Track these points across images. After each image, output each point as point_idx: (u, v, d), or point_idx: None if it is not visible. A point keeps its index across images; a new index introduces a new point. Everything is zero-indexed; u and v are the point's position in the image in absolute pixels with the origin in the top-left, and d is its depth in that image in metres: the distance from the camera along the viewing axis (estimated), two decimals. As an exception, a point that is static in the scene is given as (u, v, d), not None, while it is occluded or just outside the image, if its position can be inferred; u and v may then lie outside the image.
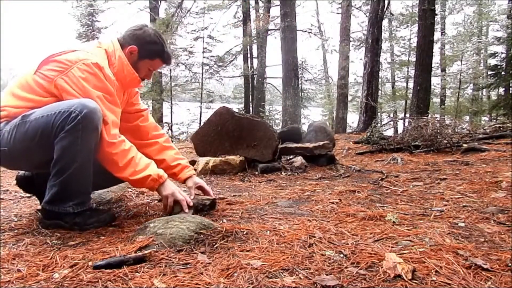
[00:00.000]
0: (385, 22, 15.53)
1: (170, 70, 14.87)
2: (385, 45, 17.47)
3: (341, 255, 1.18)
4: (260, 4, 16.19)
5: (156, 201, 1.95)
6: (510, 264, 1.10)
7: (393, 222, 1.55)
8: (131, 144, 1.55)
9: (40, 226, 1.49)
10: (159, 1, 14.62)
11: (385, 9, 10.20)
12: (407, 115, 11.17)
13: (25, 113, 1.44)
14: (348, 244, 1.29)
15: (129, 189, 2.11)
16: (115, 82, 1.57)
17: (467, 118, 16.42)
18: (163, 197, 1.60)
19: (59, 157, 1.42)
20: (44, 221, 1.50)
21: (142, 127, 1.83)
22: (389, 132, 7.43)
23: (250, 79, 16.97)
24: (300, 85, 12.55)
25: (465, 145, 4.34)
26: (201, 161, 2.93)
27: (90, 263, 1.11)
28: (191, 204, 1.64)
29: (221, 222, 1.56)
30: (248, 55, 17.05)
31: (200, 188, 1.81)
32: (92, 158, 1.48)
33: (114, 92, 1.54)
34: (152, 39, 1.66)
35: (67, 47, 1.55)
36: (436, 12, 8.89)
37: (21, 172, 1.74)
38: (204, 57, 16.20)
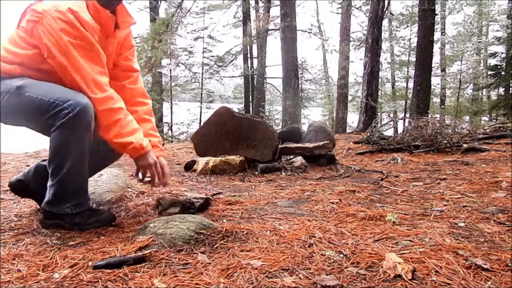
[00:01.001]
0: (385, 22, 15.54)
1: (170, 70, 14.88)
2: (385, 45, 17.47)
3: (341, 255, 1.18)
4: (260, 4, 16.19)
5: (155, 201, 1.95)
6: (510, 264, 1.10)
7: (393, 222, 1.55)
8: (120, 103, 1.46)
9: (41, 226, 1.49)
10: (159, 1, 14.61)
11: (385, 9, 10.20)
12: (407, 115, 11.17)
13: (20, 84, 1.40)
14: (348, 244, 1.29)
15: (129, 189, 2.11)
16: (95, 25, 1.44)
17: (467, 118, 16.41)
18: (139, 167, 1.55)
19: (53, 155, 1.41)
20: (45, 221, 1.49)
21: (128, 90, 1.70)
22: (389, 132, 7.44)
23: (250, 79, 16.97)
24: (300, 85, 12.55)
25: (465, 145, 4.34)
26: (201, 161, 2.93)
27: (90, 263, 1.11)
28: (168, 182, 1.61)
29: (221, 222, 1.56)
30: (248, 55, 17.05)
31: (162, 171, 1.64)
32: (87, 157, 1.45)
33: (93, 39, 1.42)
34: None
35: None
36: (436, 12, 8.89)
37: (13, 178, 1.70)
38: (204, 57, 16.20)
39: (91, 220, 1.48)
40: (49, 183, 1.45)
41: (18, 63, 1.43)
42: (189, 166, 3.08)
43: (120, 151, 1.58)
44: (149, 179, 1.62)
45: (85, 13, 1.42)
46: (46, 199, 1.47)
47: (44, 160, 1.62)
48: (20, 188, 1.68)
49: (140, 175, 1.59)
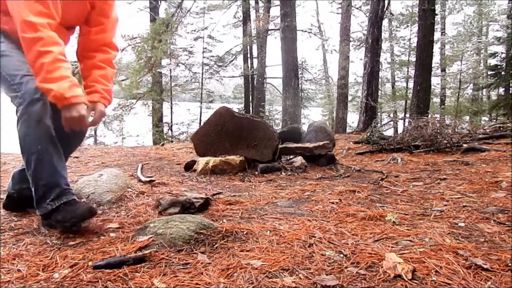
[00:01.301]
0: (385, 22, 15.53)
1: (170, 70, 14.88)
2: (385, 45, 17.46)
3: (341, 255, 1.18)
4: (260, 4, 16.17)
5: (155, 201, 1.95)
6: (510, 264, 1.10)
7: (393, 222, 1.55)
8: (52, 47, 1.37)
9: (42, 227, 1.48)
10: (159, 1, 14.61)
11: (385, 9, 10.20)
12: (407, 115, 11.17)
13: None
14: (348, 244, 1.29)
15: (129, 189, 2.11)
16: None
17: (467, 118, 16.41)
18: (62, 117, 1.42)
19: (21, 149, 1.44)
20: (43, 224, 1.48)
21: (94, 36, 1.67)
22: (389, 132, 7.44)
23: (250, 79, 16.96)
24: (300, 85, 12.55)
25: (465, 145, 4.34)
26: (201, 161, 2.93)
27: (90, 263, 1.11)
28: (86, 127, 1.55)
29: (221, 222, 1.56)
30: (248, 55, 17.04)
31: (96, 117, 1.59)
32: (49, 147, 1.42)
33: None
34: None
35: None
36: (436, 12, 8.89)
37: (3, 198, 1.70)
38: (204, 57, 16.18)
39: (69, 216, 1.40)
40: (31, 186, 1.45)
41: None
42: (189, 166, 3.08)
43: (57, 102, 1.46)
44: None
45: None
46: (34, 203, 1.46)
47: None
48: (12, 204, 1.69)
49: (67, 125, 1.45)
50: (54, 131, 1.45)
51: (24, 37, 1.35)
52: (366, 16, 13.17)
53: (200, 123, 14.15)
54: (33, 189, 1.44)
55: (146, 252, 1.15)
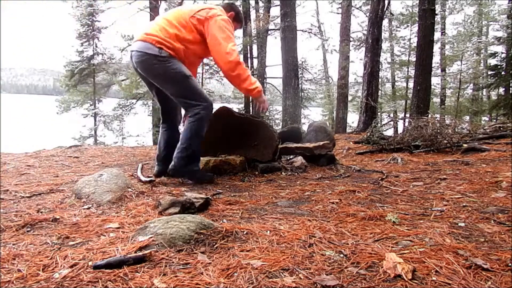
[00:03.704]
0: (385, 22, 15.55)
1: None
2: (385, 45, 17.48)
3: (341, 255, 1.18)
4: (260, 4, 16.18)
5: (155, 201, 1.95)
6: (510, 264, 1.10)
7: (393, 222, 1.55)
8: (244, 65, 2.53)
9: (170, 176, 2.58)
10: (159, 1, 14.61)
11: (385, 9, 10.19)
12: (407, 115, 11.17)
13: (182, 73, 2.47)
14: (348, 244, 1.29)
15: (129, 189, 2.11)
16: (232, 26, 2.61)
17: (467, 118, 16.43)
18: (257, 102, 2.76)
19: (186, 137, 2.50)
20: (174, 173, 2.53)
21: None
22: (389, 132, 7.45)
23: (250, 79, 16.92)
24: (300, 85, 12.56)
25: (465, 145, 4.34)
26: (201, 160, 2.93)
27: (90, 263, 1.11)
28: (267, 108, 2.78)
29: (221, 222, 1.56)
30: (248, 55, 17.03)
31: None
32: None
33: (233, 32, 2.60)
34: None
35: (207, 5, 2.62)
36: (436, 12, 8.89)
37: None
38: (204, 57, 16.15)
39: (204, 177, 2.53)
40: (182, 153, 2.47)
41: (184, 43, 2.50)
42: (189, 166, 3.08)
43: (253, 95, 2.68)
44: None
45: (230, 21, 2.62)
46: (177, 164, 2.49)
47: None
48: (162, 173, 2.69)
49: (256, 108, 2.78)
50: None
51: (229, 60, 2.46)
52: (366, 16, 13.18)
53: (200, 123, 14.09)
54: (185, 155, 2.49)
55: (146, 252, 1.15)
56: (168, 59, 2.45)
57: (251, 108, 16.14)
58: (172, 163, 2.52)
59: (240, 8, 2.69)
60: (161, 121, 2.80)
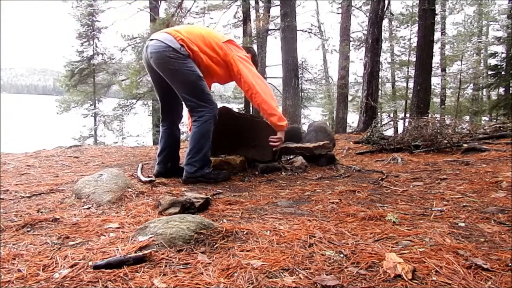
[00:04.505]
0: (385, 22, 15.54)
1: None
2: (385, 45, 17.48)
3: (341, 255, 1.18)
4: (260, 4, 16.16)
5: (155, 201, 1.95)
6: (510, 264, 1.10)
7: (393, 222, 1.55)
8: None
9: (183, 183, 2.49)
10: (159, 1, 14.60)
11: (385, 9, 10.20)
12: (407, 115, 11.16)
13: (196, 73, 2.51)
14: (348, 244, 1.28)
15: (129, 189, 2.11)
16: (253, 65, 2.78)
17: (467, 118, 16.43)
18: (280, 135, 2.84)
19: (195, 141, 2.54)
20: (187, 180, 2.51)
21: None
22: (389, 132, 7.44)
23: (250, 79, 16.91)
24: (300, 85, 12.56)
25: (465, 145, 4.34)
26: (201, 161, 2.93)
27: (90, 263, 1.11)
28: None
29: (221, 222, 1.56)
30: (248, 55, 17.03)
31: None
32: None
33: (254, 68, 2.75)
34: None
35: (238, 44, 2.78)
36: (436, 12, 8.89)
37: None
38: (204, 57, 16.14)
39: (219, 176, 2.57)
40: (193, 158, 2.50)
41: (210, 57, 2.60)
42: (189, 166, 3.08)
43: (277, 128, 2.81)
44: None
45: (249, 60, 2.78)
46: (190, 170, 2.50)
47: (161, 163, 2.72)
48: (164, 173, 2.70)
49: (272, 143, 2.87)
50: None
51: (261, 84, 2.71)
52: (366, 16, 13.18)
53: (200, 123, 14.09)
54: (196, 160, 2.53)
55: (146, 252, 1.15)
56: (186, 58, 2.46)
57: (251, 108, 16.14)
58: (185, 171, 2.52)
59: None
60: (160, 120, 2.79)
